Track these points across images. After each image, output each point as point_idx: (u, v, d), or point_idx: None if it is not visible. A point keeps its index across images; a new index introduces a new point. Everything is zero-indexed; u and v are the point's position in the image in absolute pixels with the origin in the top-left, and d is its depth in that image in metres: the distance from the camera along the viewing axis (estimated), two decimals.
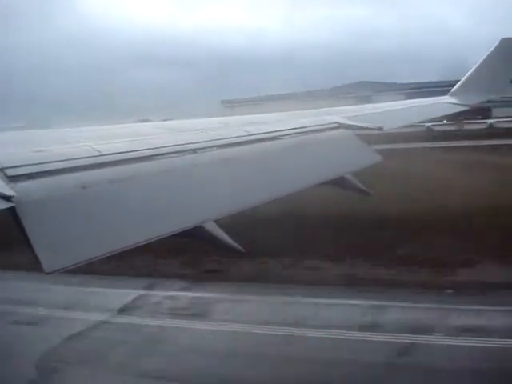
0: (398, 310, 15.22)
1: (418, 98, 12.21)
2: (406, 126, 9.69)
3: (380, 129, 7.34)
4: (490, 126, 56.35)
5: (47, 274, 2.55)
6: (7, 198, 2.75)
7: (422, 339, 13.23)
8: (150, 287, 18.54)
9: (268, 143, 5.10)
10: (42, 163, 3.24)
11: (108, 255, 2.85)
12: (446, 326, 13.87)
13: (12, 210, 2.75)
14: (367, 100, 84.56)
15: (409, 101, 11.02)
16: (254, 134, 5.12)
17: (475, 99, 11.93)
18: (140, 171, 3.62)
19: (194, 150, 4.24)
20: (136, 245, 3.00)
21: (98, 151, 3.64)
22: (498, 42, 12.40)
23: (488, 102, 13.31)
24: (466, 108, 11.54)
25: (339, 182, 5.49)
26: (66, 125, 5.45)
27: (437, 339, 13.26)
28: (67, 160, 3.36)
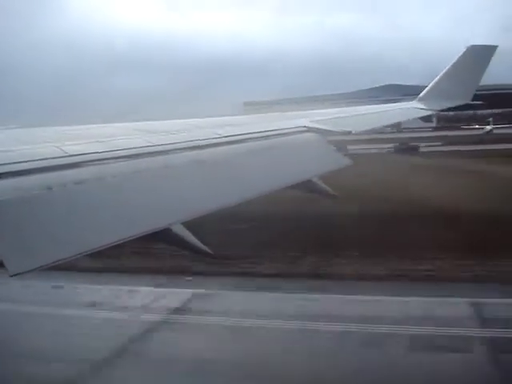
0: None
1: None
2: (372, 130, 9.82)
3: (348, 133, 7.44)
4: None
5: (11, 276, 2.52)
6: None
7: None
8: None
9: (238, 146, 5.12)
10: (6, 164, 3.17)
11: (75, 258, 2.83)
12: None
13: None
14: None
15: (377, 106, 11.17)
16: (225, 137, 5.13)
17: (442, 105, 12.16)
18: (108, 172, 3.59)
19: (164, 152, 4.23)
20: (103, 247, 2.98)
21: (66, 152, 3.61)
22: (465, 49, 12.65)
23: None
24: (433, 113, 11.75)
25: (307, 185, 5.54)
26: (43, 125, 5.32)
27: None
28: (33, 161, 3.30)
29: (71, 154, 3.60)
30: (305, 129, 6.50)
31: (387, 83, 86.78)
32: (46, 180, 3.15)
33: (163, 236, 3.73)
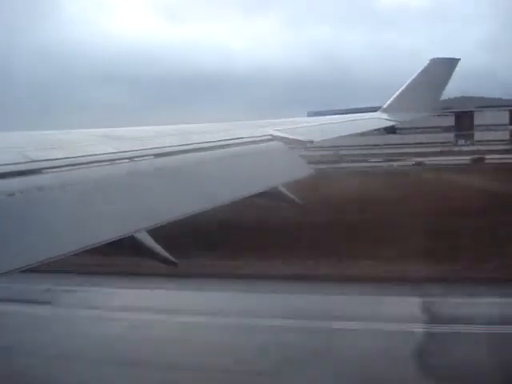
0: None
1: None
2: (336, 139, 9.97)
3: (311, 142, 7.53)
4: None
5: None
6: None
7: None
8: None
9: (202, 153, 5.13)
10: None
11: (36, 265, 2.80)
12: None
13: None
14: (469, 116, 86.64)
15: (342, 116, 11.33)
16: (189, 144, 5.14)
17: (404, 116, 12.40)
18: (71, 179, 3.57)
19: (128, 159, 4.21)
20: (65, 255, 2.96)
21: (30, 158, 3.57)
22: (428, 62, 12.93)
23: None
24: (396, 123, 11.98)
25: (272, 194, 5.59)
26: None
27: None
28: None
29: (35, 159, 3.56)
30: (270, 137, 6.56)
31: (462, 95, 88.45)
32: (7, 186, 3.11)
33: (126, 244, 3.71)
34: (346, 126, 10.35)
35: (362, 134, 12.14)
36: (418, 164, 52.00)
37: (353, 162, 55.65)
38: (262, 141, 6.37)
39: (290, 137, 6.92)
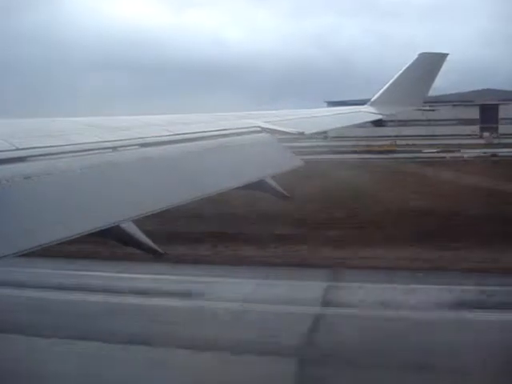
0: None
1: None
2: (325, 132, 9.98)
3: (301, 133, 7.52)
4: None
5: None
6: None
7: None
8: None
9: (189, 144, 5.10)
10: None
11: (19, 255, 2.77)
12: None
13: None
14: (493, 109, 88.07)
15: (330, 108, 11.34)
16: (176, 135, 5.11)
17: (392, 109, 12.44)
18: (55, 168, 3.53)
19: (113, 148, 4.17)
20: (48, 244, 2.93)
21: (14, 146, 3.53)
22: (416, 56, 12.97)
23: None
24: (383, 117, 12.02)
25: (259, 185, 5.58)
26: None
27: None
28: None
29: (20, 147, 3.52)
30: (258, 129, 6.54)
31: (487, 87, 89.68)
32: None
33: (112, 234, 3.70)
34: (336, 119, 10.36)
35: (354, 127, 12.18)
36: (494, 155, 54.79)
37: (412, 151, 58.83)
38: (251, 132, 6.34)
39: (279, 128, 6.91)
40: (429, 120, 77.34)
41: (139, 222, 3.84)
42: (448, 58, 13.06)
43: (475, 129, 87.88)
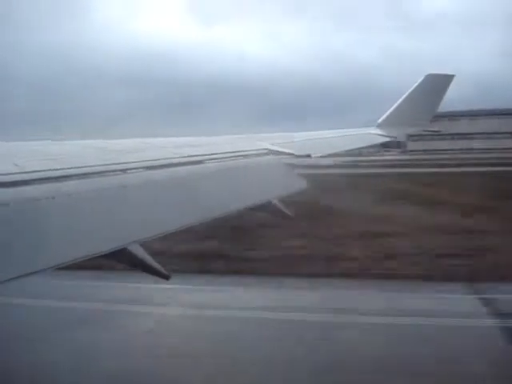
0: None
1: None
2: (334, 154, 9.97)
3: (308, 156, 7.53)
4: None
5: None
6: None
7: None
8: None
9: (196, 166, 5.12)
10: None
11: (22, 278, 2.77)
12: None
13: None
14: None
15: (338, 130, 11.35)
16: (183, 157, 5.13)
17: (400, 131, 12.45)
18: (63, 190, 3.55)
19: (119, 171, 4.19)
20: (54, 267, 2.94)
21: (21, 168, 3.55)
22: (423, 77, 13.02)
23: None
24: (391, 139, 12.02)
25: (266, 207, 5.58)
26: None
27: None
28: None
29: (26, 170, 3.55)
30: (266, 151, 6.56)
31: None
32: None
33: (119, 256, 3.70)
34: (344, 142, 10.38)
35: (359, 150, 12.20)
36: None
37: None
38: (258, 154, 6.37)
39: (287, 151, 6.93)
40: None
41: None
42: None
43: None
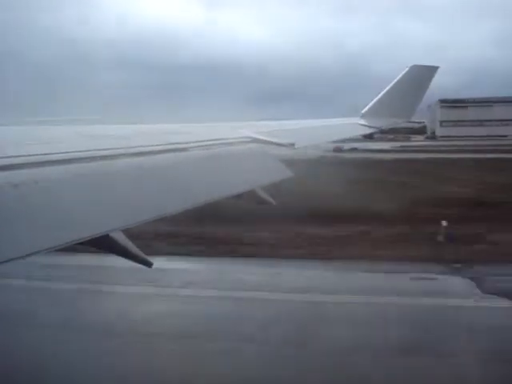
0: None
1: None
2: (316, 144, 10.01)
3: (292, 145, 7.54)
4: None
5: None
6: None
7: None
8: None
9: (179, 154, 5.11)
10: None
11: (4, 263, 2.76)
12: None
13: None
14: None
15: (322, 120, 11.35)
16: (167, 144, 5.11)
17: (383, 122, 12.50)
18: (46, 176, 3.53)
19: (103, 158, 4.17)
20: (34, 254, 2.92)
21: (4, 153, 3.53)
22: (407, 68, 13.07)
23: None
24: (374, 130, 12.06)
25: (249, 196, 5.58)
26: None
27: None
28: None
29: (9, 155, 3.52)
30: (249, 139, 6.55)
31: None
32: None
33: (102, 243, 3.69)
34: (330, 131, 10.40)
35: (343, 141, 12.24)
36: None
37: None
38: (241, 142, 6.36)
39: (270, 139, 6.93)
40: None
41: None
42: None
43: None
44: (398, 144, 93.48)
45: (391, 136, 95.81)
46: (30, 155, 3.67)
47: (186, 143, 5.44)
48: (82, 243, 3.34)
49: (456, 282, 19.16)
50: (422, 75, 13.04)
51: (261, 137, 6.83)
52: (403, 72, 12.93)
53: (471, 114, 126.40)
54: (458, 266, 20.71)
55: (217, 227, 25.08)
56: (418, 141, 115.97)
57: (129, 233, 3.98)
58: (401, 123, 14.06)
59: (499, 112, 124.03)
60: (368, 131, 11.94)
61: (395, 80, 12.88)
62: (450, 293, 18.26)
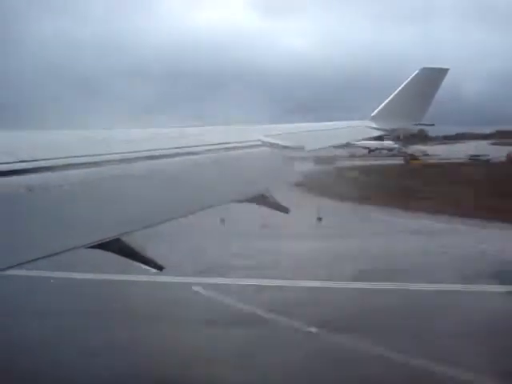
0: None
1: None
2: (327, 147, 9.99)
3: (302, 148, 7.55)
4: None
5: None
6: None
7: None
8: None
9: (189, 157, 5.11)
10: None
11: (14, 267, 2.79)
12: None
13: None
14: None
15: (331, 123, 11.34)
16: (177, 148, 5.12)
17: (393, 125, 12.46)
18: (57, 180, 3.55)
19: (116, 162, 4.18)
20: (45, 257, 2.95)
21: (17, 157, 3.55)
22: (417, 71, 13.03)
23: None
24: (384, 132, 12.03)
25: (260, 199, 5.59)
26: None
27: None
28: None
29: (23, 159, 3.54)
30: (259, 143, 6.56)
31: None
32: None
33: (112, 246, 3.71)
34: (339, 134, 10.39)
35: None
36: None
37: None
38: (251, 146, 6.36)
39: (280, 143, 6.93)
40: None
41: None
42: None
43: None
44: None
45: None
46: (43, 159, 3.69)
47: (196, 147, 5.44)
48: (92, 247, 3.38)
49: None
50: (431, 77, 12.99)
51: (270, 140, 6.83)
52: (413, 74, 12.91)
53: None
54: None
55: None
56: None
57: None
58: (411, 125, 13.99)
59: None
60: (377, 133, 11.93)
61: (405, 82, 12.85)
62: None
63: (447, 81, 13.01)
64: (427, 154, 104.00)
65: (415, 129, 16.53)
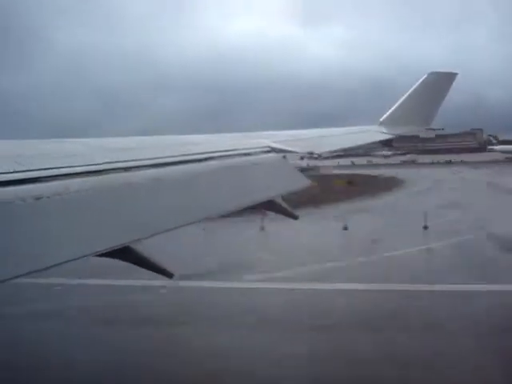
0: None
1: None
2: (335, 152, 9.98)
3: (310, 154, 7.54)
4: None
5: None
6: None
7: None
8: None
9: (199, 164, 5.10)
10: None
11: (24, 276, 2.78)
12: None
13: None
14: None
15: (340, 128, 11.33)
16: (185, 155, 5.11)
17: (401, 129, 12.42)
18: (66, 188, 3.55)
19: (123, 169, 4.17)
20: (57, 265, 2.95)
21: (24, 166, 3.55)
22: (425, 75, 12.98)
23: None
24: (392, 137, 12.00)
25: (268, 205, 5.57)
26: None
27: None
28: None
29: (30, 168, 3.54)
30: (268, 149, 6.55)
31: None
32: (3, 194, 3.10)
33: (123, 254, 3.70)
34: (346, 139, 10.37)
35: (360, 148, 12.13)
36: None
37: None
38: (260, 152, 6.35)
39: (289, 148, 6.92)
40: None
41: None
42: None
43: None
44: None
45: None
46: (50, 168, 3.69)
47: (204, 153, 5.42)
48: (103, 254, 3.37)
49: None
50: (440, 82, 12.93)
51: (279, 146, 6.82)
52: (421, 79, 12.85)
53: None
54: None
55: None
56: None
57: None
58: (419, 130, 13.94)
59: None
60: (385, 138, 11.88)
61: (413, 87, 12.80)
62: None
63: None
64: None
65: (427, 133, 16.49)
